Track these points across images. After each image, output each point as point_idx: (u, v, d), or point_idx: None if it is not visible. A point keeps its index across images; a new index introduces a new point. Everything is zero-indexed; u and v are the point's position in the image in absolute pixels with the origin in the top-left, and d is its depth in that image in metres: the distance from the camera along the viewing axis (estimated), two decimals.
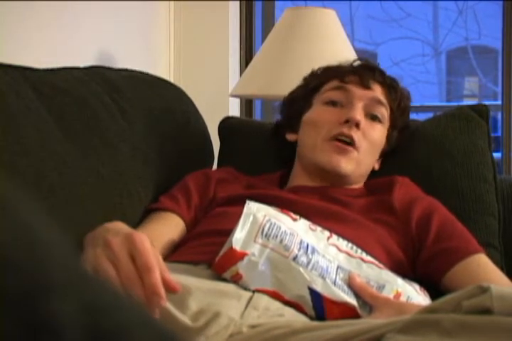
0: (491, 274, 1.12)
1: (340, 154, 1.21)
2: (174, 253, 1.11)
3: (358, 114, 1.23)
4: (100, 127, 1.19)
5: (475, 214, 1.30)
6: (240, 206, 1.00)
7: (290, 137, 1.35)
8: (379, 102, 1.27)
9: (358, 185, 1.30)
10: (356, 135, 1.22)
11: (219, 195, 1.25)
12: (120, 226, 0.93)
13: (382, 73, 1.32)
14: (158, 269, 0.80)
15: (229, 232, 0.97)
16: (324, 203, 1.19)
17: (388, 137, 1.31)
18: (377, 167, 1.34)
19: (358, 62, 1.35)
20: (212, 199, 1.25)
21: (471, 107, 1.41)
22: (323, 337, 0.79)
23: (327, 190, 1.24)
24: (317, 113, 1.28)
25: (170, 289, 0.80)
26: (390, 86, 1.31)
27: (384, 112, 1.28)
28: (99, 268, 0.82)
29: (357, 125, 1.22)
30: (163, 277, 0.80)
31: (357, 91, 1.26)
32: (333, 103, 1.27)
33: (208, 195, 1.26)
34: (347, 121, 1.22)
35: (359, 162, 1.24)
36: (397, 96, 1.31)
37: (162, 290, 0.79)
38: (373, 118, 1.27)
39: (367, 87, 1.27)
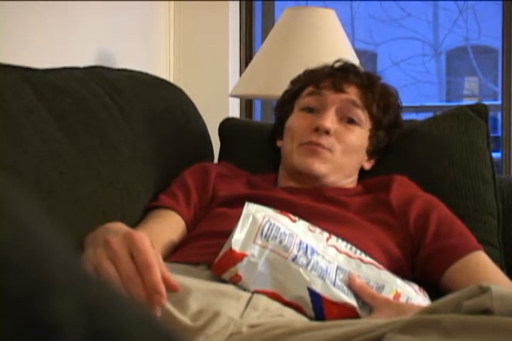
0: (490, 273, 1.12)
1: (312, 156, 1.23)
2: (174, 254, 1.11)
3: (329, 121, 1.23)
4: (100, 127, 1.19)
5: (474, 213, 1.30)
6: (239, 207, 1.00)
7: (278, 143, 1.38)
8: (353, 104, 1.27)
9: (349, 185, 1.30)
10: (327, 141, 1.23)
11: (219, 194, 1.25)
12: (120, 226, 0.93)
13: (357, 74, 1.31)
14: (159, 268, 0.80)
15: (228, 234, 0.97)
16: (322, 204, 1.19)
17: (372, 137, 1.31)
18: (367, 167, 1.34)
19: (337, 64, 1.34)
20: (212, 196, 1.25)
21: (470, 107, 1.41)
22: (323, 337, 0.79)
23: (324, 191, 1.24)
24: (293, 120, 1.31)
25: (170, 288, 0.80)
26: (367, 86, 1.30)
27: (360, 114, 1.27)
28: (100, 268, 0.82)
29: (327, 132, 1.23)
30: (163, 276, 0.80)
31: (330, 95, 1.27)
32: (309, 109, 1.29)
33: (208, 191, 1.26)
34: (317, 129, 1.23)
35: (336, 163, 1.24)
36: (374, 96, 1.30)
37: (163, 288, 0.79)
38: (350, 121, 1.27)
39: (340, 91, 1.27)
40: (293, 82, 1.41)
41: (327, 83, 1.29)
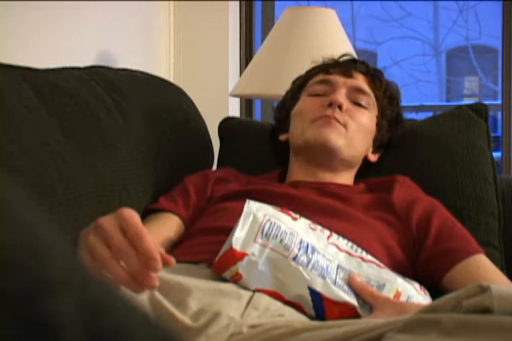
0: (491, 275, 1.12)
1: (327, 127, 1.22)
2: (173, 252, 1.11)
3: (341, 97, 1.25)
4: (100, 127, 1.19)
5: (475, 214, 1.30)
6: (239, 201, 1.00)
7: (282, 137, 1.37)
8: (361, 91, 1.29)
9: (351, 172, 1.30)
10: (341, 116, 1.23)
11: (216, 194, 1.25)
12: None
13: (365, 64, 1.35)
14: (151, 238, 0.78)
15: (228, 230, 0.97)
16: (325, 199, 1.19)
17: (378, 125, 1.32)
18: (373, 159, 1.34)
19: (343, 58, 1.37)
20: (209, 198, 1.25)
21: (470, 107, 1.41)
22: (323, 337, 0.79)
23: (327, 186, 1.24)
24: (302, 103, 1.31)
25: (164, 262, 0.78)
26: (374, 75, 1.33)
27: (368, 100, 1.29)
28: (94, 251, 0.79)
29: (340, 107, 1.23)
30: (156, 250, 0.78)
31: (339, 79, 1.29)
32: (317, 95, 1.30)
33: (206, 193, 1.26)
34: (330, 105, 1.24)
35: (349, 139, 1.24)
36: (381, 84, 1.33)
37: (157, 254, 0.76)
38: (358, 104, 1.28)
39: (349, 76, 1.30)
40: (295, 81, 1.41)
41: (336, 70, 1.32)
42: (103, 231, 0.80)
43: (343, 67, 1.32)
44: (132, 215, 0.80)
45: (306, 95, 1.32)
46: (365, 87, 1.30)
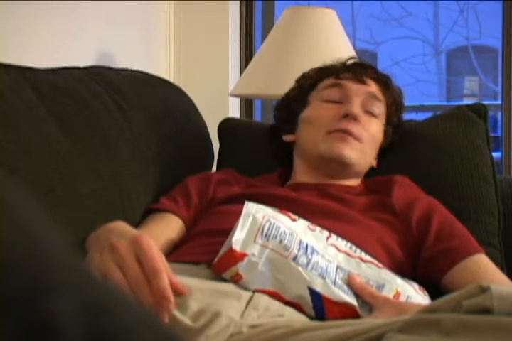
0: (491, 275, 1.12)
1: (342, 143, 1.22)
2: (174, 253, 1.11)
3: (356, 108, 1.24)
4: (100, 127, 1.19)
5: (475, 214, 1.30)
6: (239, 205, 1.00)
7: (287, 138, 1.35)
8: (375, 97, 1.29)
9: (358, 179, 1.30)
10: (356, 128, 1.23)
11: (218, 196, 1.25)
12: (123, 227, 0.93)
13: (374, 70, 1.34)
14: (166, 273, 0.81)
15: (228, 232, 0.97)
16: (324, 201, 1.19)
17: (385, 132, 1.32)
18: (374, 164, 1.34)
19: (351, 61, 1.36)
20: (211, 199, 1.25)
21: (469, 107, 1.41)
22: (323, 337, 0.79)
23: (327, 188, 1.24)
24: (315, 110, 1.30)
25: (178, 292, 0.81)
26: (384, 82, 1.33)
27: (381, 107, 1.29)
28: (107, 274, 0.82)
29: (355, 119, 1.23)
30: (170, 281, 0.81)
31: (353, 86, 1.28)
32: (331, 101, 1.29)
33: (208, 195, 1.26)
34: (345, 116, 1.23)
35: (363, 152, 1.25)
36: (390, 91, 1.33)
37: (171, 294, 0.79)
38: (370, 113, 1.28)
39: (362, 83, 1.29)
40: (299, 80, 1.40)
41: (347, 75, 1.30)
42: (118, 257, 0.82)
43: (354, 72, 1.31)
44: (150, 245, 0.82)
45: (319, 101, 1.30)
46: (379, 94, 1.30)
